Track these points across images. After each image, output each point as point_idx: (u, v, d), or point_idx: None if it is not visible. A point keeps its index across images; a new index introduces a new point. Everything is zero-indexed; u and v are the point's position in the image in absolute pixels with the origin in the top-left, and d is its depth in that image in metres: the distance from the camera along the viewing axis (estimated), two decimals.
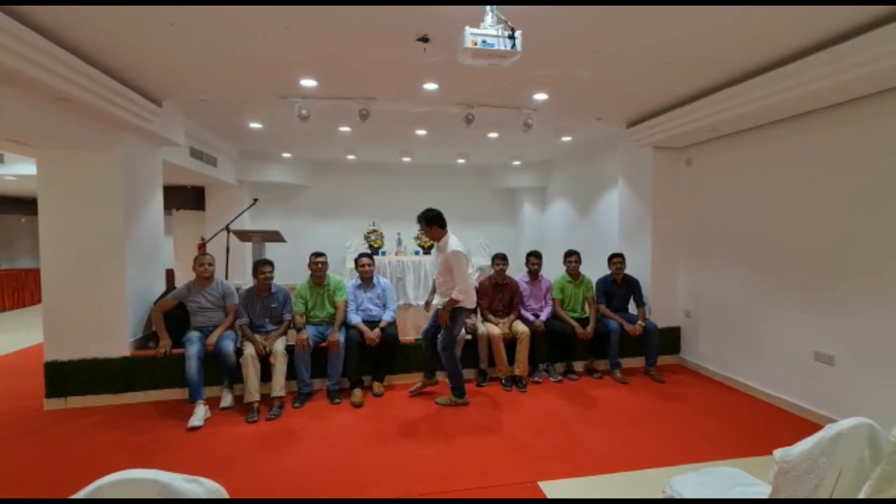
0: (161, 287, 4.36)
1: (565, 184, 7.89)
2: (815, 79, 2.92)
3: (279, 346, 3.67)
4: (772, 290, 3.78)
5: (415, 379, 4.06)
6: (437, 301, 3.75)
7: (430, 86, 3.81)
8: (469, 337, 4.18)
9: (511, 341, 4.16)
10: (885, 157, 2.97)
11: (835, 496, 1.36)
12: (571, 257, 4.52)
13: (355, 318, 3.99)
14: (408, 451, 2.93)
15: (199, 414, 3.32)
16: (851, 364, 3.18)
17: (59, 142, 3.35)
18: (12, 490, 2.54)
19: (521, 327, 4.16)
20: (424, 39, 2.85)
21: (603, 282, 4.59)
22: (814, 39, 2.81)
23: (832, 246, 3.30)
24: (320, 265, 3.96)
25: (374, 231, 8.26)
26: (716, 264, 4.39)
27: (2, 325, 7.06)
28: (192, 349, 3.47)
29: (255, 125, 5.42)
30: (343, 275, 7.32)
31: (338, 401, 3.72)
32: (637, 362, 4.63)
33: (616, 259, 4.52)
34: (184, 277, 6.70)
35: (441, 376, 4.00)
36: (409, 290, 7.31)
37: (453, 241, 3.51)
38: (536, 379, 4.22)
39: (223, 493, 1.14)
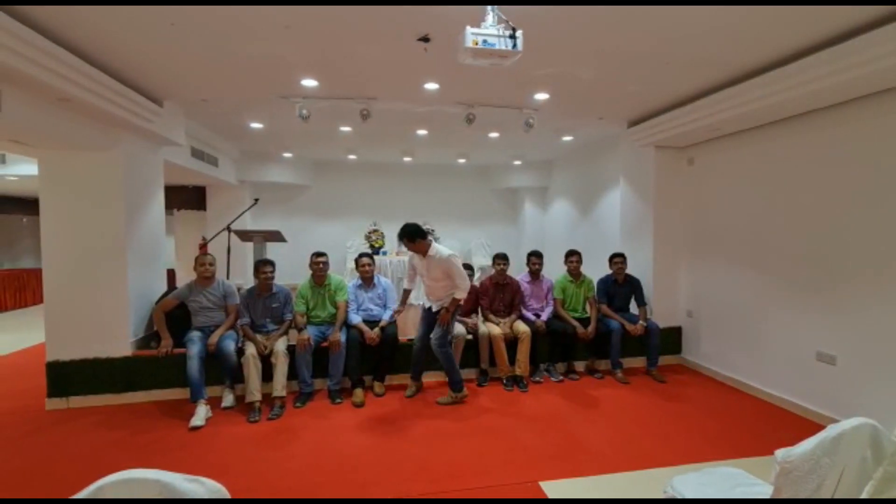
0: (162, 287, 4.37)
1: (566, 183, 7.88)
2: (816, 78, 2.91)
3: (280, 345, 3.67)
4: (774, 290, 3.77)
5: None
6: (427, 303, 3.83)
7: (431, 85, 3.81)
8: (470, 337, 4.18)
9: (512, 341, 4.16)
10: (887, 156, 2.96)
11: (837, 496, 1.36)
12: (572, 257, 4.51)
13: (356, 318, 3.99)
14: (409, 451, 2.93)
15: (201, 414, 3.32)
16: (854, 364, 3.18)
17: (61, 142, 3.36)
18: (14, 489, 2.54)
19: (522, 327, 4.16)
20: (425, 39, 2.85)
21: (604, 281, 4.58)
22: (814, 39, 2.81)
23: (834, 245, 3.29)
24: (321, 265, 3.96)
25: (375, 231, 8.26)
26: (718, 264, 4.38)
27: (4, 325, 7.07)
28: (194, 349, 3.48)
29: (255, 125, 5.42)
30: (344, 275, 7.32)
31: (339, 400, 3.72)
32: (638, 362, 4.62)
33: (617, 259, 4.52)
34: (185, 277, 6.72)
35: (432, 376, 4.01)
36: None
37: (441, 248, 3.63)
38: (537, 379, 4.22)
39: (224, 493, 1.14)
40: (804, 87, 3.01)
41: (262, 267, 3.83)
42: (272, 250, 5.00)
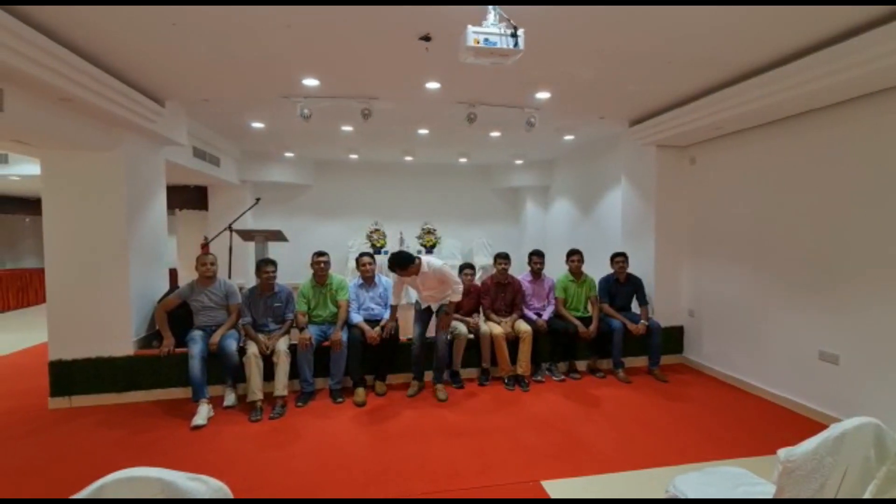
0: (164, 286, 4.38)
1: (568, 183, 7.87)
2: (817, 77, 2.91)
3: (282, 345, 3.68)
4: (776, 289, 3.76)
5: None
6: (424, 304, 4.03)
7: (433, 85, 3.81)
8: (472, 336, 4.18)
9: (513, 340, 4.15)
10: (890, 154, 2.95)
11: (840, 496, 1.36)
12: (574, 256, 4.50)
13: (357, 318, 3.99)
14: (410, 450, 2.93)
15: (203, 413, 3.33)
16: (856, 363, 3.17)
17: (63, 142, 3.37)
18: (17, 488, 2.55)
19: (523, 326, 4.16)
20: (426, 38, 2.84)
21: (606, 281, 4.58)
22: (815, 38, 2.80)
23: (837, 244, 3.28)
24: (322, 265, 3.96)
25: (377, 230, 8.27)
26: (720, 263, 4.37)
27: (7, 325, 7.10)
28: (196, 348, 3.48)
29: (257, 125, 5.43)
30: (345, 274, 7.32)
31: (340, 400, 3.73)
32: (640, 362, 4.61)
33: (619, 258, 4.51)
34: (187, 277, 6.73)
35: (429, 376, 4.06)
36: (410, 290, 7.31)
37: (430, 259, 3.83)
38: (539, 378, 4.22)
39: (227, 492, 1.14)
40: (805, 86, 3.00)
41: (264, 266, 3.84)
42: (274, 250, 5.00)
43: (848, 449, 1.35)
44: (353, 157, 7.94)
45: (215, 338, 3.60)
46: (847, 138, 3.22)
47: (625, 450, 2.94)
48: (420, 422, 3.37)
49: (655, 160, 4.78)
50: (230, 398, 3.65)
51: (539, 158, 8.10)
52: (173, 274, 7.50)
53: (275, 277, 3.88)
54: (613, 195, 6.22)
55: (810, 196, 3.48)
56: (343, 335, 3.81)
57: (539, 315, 4.38)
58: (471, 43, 2.06)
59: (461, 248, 8.97)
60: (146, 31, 2.72)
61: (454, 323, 4.16)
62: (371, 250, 7.49)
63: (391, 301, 4.03)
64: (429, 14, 2.54)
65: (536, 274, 4.52)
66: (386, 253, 7.95)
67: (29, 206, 9.89)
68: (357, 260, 4.22)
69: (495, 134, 5.90)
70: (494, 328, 4.15)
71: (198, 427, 3.23)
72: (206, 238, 5.25)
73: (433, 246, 8.27)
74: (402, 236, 8.35)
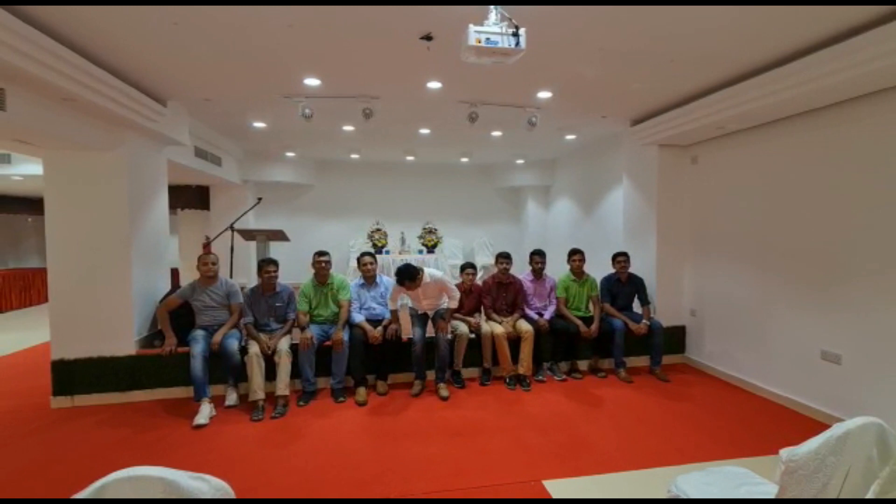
0: (166, 286, 4.38)
1: (569, 182, 7.86)
2: (821, 76, 2.90)
3: (283, 344, 3.68)
4: (778, 289, 3.75)
5: None
6: (421, 309, 4.17)
7: (434, 84, 3.81)
8: (473, 336, 4.18)
9: (515, 340, 4.15)
10: (894, 153, 2.94)
11: (842, 496, 1.35)
12: (575, 256, 4.50)
13: (359, 317, 3.99)
14: (412, 450, 2.93)
15: (205, 412, 3.34)
16: (859, 363, 3.16)
17: (65, 142, 3.37)
18: (19, 487, 2.56)
19: (524, 326, 4.16)
20: (428, 38, 2.84)
21: (607, 280, 4.57)
22: (817, 37, 2.79)
23: (839, 244, 3.27)
24: (324, 264, 3.96)
25: (378, 230, 8.28)
26: (721, 262, 4.36)
27: (10, 324, 7.12)
28: (197, 348, 3.49)
29: (259, 125, 5.43)
30: (347, 274, 7.33)
31: (342, 399, 3.73)
32: (642, 361, 4.61)
33: (620, 258, 4.50)
34: (189, 276, 6.73)
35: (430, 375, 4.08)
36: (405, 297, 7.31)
37: (431, 271, 4.04)
38: (540, 378, 4.21)
39: (229, 491, 1.14)
40: (807, 85, 2.99)
41: (266, 266, 3.84)
42: (275, 249, 5.02)
43: (851, 449, 1.34)
44: (355, 156, 7.95)
45: (217, 337, 3.60)
46: (850, 137, 3.21)
47: (626, 449, 2.93)
48: (421, 421, 3.37)
49: (657, 160, 4.77)
50: (232, 398, 3.66)
51: (540, 158, 8.10)
52: (175, 274, 7.50)
53: (276, 277, 3.88)
54: (615, 195, 6.21)
55: (813, 195, 3.47)
56: (344, 335, 3.81)
57: (540, 315, 4.38)
58: (472, 42, 2.06)
59: (462, 248, 8.97)
60: (148, 30, 2.73)
61: (455, 322, 4.17)
62: (372, 250, 7.50)
63: (389, 306, 4.05)
64: (430, 13, 2.54)
65: (538, 273, 4.52)
66: (387, 252, 7.96)
67: (31, 205, 9.91)
68: (359, 259, 4.22)
69: (497, 133, 5.89)
70: (496, 328, 4.15)
71: (199, 426, 3.24)
72: (207, 238, 5.27)
73: (434, 245, 8.27)
74: (403, 236, 8.36)
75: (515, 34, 2.08)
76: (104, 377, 3.72)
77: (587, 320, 4.37)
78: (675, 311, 4.82)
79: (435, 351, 3.94)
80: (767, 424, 3.32)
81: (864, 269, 3.12)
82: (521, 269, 4.73)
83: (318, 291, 4.00)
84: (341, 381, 3.82)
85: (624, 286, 4.54)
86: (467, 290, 4.38)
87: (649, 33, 2.80)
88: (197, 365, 3.43)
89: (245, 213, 5.84)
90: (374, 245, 8.08)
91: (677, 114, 4.17)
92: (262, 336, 3.74)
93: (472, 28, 2.06)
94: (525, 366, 4.08)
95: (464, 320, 4.25)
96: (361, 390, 3.79)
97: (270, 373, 3.62)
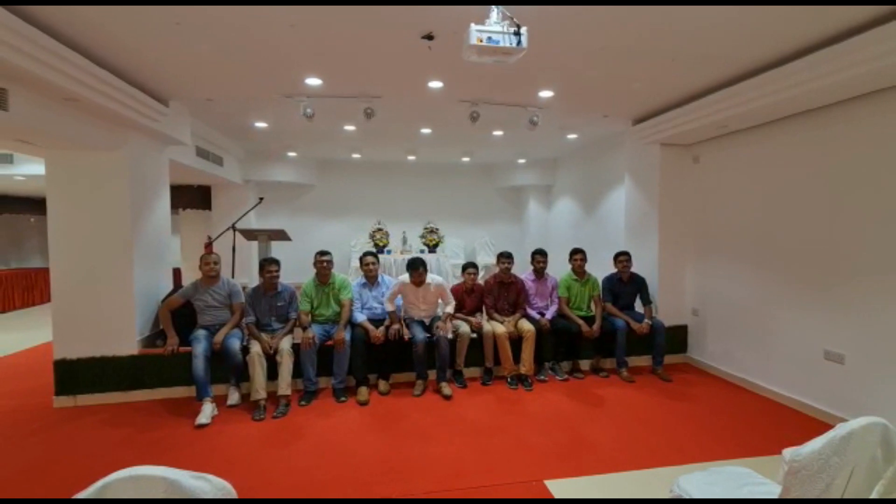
0: (168, 286, 4.39)
1: (571, 181, 7.85)
2: (822, 75, 2.89)
3: (285, 344, 3.68)
4: (781, 288, 3.74)
5: None
6: (417, 315, 4.21)
7: (436, 84, 3.80)
8: (474, 335, 4.18)
9: (517, 340, 4.15)
10: None
11: (846, 496, 1.35)
12: (577, 255, 4.49)
13: (360, 317, 3.99)
14: (413, 450, 2.93)
15: (206, 412, 3.34)
16: (862, 362, 3.14)
17: (68, 142, 3.38)
18: (21, 486, 2.57)
19: (526, 326, 4.15)
20: (429, 37, 2.84)
21: (609, 280, 4.56)
22: (825, 34, 2.77)
23: (842, 243, 3.26)
24: (325, 264, 3.97)
25: (379, 230, 8.27)
26: (724, 262, 4.35)
27: (12, 324, 7.14)
28: (199, 347, 3.49)
29: (260, 124, 5.44)
30: (348, 273, 7.34)
31: (343, 399, 3.73)
32: (644, 361, 4.60)
33: (622, 257, 4.50)
34: (191, 276, 6.75)
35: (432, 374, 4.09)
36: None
37: (433, 276, 4.19)
38: (542, 378, 4.21)
39: (231, 491, 1.14)
40: (810, 83, 2.98)
41: (267, 266, 3.84)
42: (277, 249, 5.01)
43: (855, 449, 1.34)
44: (356, 156, 7.95)
45: (219, 337, 3.61)
46: (852, 136, 3.19)
47: (628, 449, 2.93)
48: (423, 421, 3.37)
49: (659, 159, 4.76)
50: (234, 397, 3.67)
51: (542, 157, 8.09)
52: (177, 273, 7.53)
53: (278, 277, 3.88)
54: (617, 194, 6.20)
55: (815, 194, 3.46)
56: (346, 334, 3.81)
57: (542, 314, 4.37)
58: (474, 41, 2.05)
59: (464, 248, 8.97)
60: (150, 30, 2.73)
61: (457, 322, 4.17)
62: (374, 250, 7.50)
63: (386, 307, 4.05)
64: (432, 13, 2.54)
65: (539, 273, 4.51)
66: (389, 252, 7.96)
67: (34, 205, 9.94)
68: (361, 259, 4.22)
69: (498, 133, 5.89)
70: (497, 327, 4.14)
71: (201, 426, 3.24)
72: (209, 237, 5.27)
73: (436, 245, 8.26)
74: (404, 235, 8.36)
75: (517, 33, 2.07)
76: (106, 377, 3.73)
77: (589, 320, 4.37)
78: (677, 310, 4.81)
79: (436, 350, 3.94)
80: (770, 424, 3.31)
81: (867, 268, 3.10)
82: (522, 269, 4.72)
83: (319, 291, 4.00)
84: (343, 380, 3.82)
85: (626, 286, 4.53)
86: (469, 290, 4.38)
87: (651, 32, 2.79)
88: (199, 364, 3.44)
89: (247, 212, 5.85)
90: (376, 245, 8.08)
91: (679, 113, 4.16)
92: (264, 336, 3.74)
93: (474, 27, 2.06)
94: (527, 365, 4.07)
95: (465, 320, 4.24)
96: (363, 390, 3.79)
97: (272, 372, 3.63)
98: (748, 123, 3.92)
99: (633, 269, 4.56)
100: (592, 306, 4.51)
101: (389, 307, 4.04)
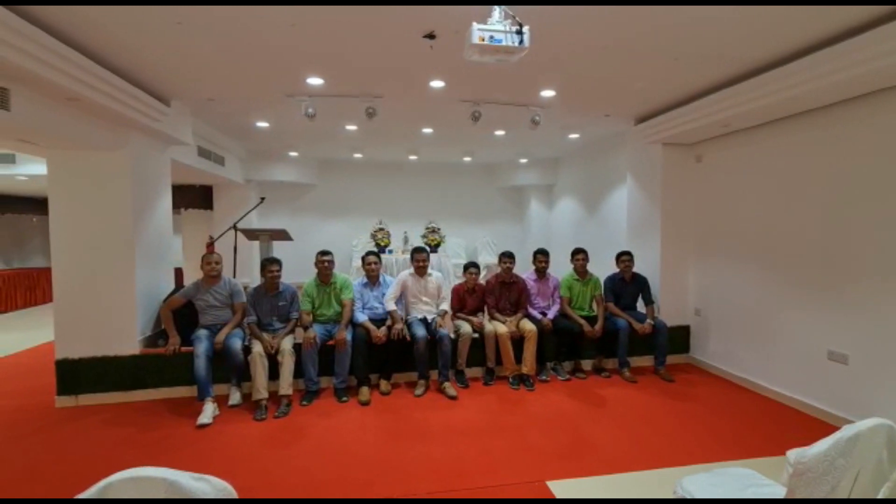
0: (170, 285, 4.39)
1: (573, 181, 7.84)
2: (824, 74, 2.87)
3: (287, 344, 3.68)
4: (784, 288, 3.73)
5: None
6: (418, 315, 4.19)
7: (437, 83, 3.80)
8: (476, 335, 4.17)
9: (518, 340, 4.14)
10: None
11: (852, 498, 1.33)
12: (579, 255, 4.48)
13: (362, 317, 3.99)
14: (415, 450, 2.93)
15: (208, 412, 3.34)
16: (866, 363, 3.13)
17: (69, 142, 3.38)
18: (23, 486, 2.57)
19: (528, 326, 4.14)
20: (431, 36, 2.83)
21: (611, 280, 4.55)
22: (826, 34, 2.76)
23: (846, 243, 3.25)
24: (327, 263, 3.96)
25: (381, 230, 8.27)
26: (726, 262, 4.34)
27: (14, 324, 7.15)
28: (201, 347, 3.49)
29: (262, 124, 5.44)
30: (350, 273, 7.34)
31: (345, 399, 3.73)
32: (646, 361, 4.59)
33: (624, 257, 4.48)
34: (192, 276, 6.75)
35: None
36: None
37: (433, 271, 4.29)
38: (544, 378, 4.20)
39: (231, 492, 1.14)
40: (811, 83, 2.97)
41: (269, 265, 3.84)
42: (278, 249, 5.01)
43: (861, 451, 1.33)
44: (358, 156, 7.95)
45: (220, 337, 3.60)
46: (855, 136, 3.18)
47: (631, 450, 2.92)
48: (424, 421, 3.36)
49: (661, 158, 4.74)
50: (235, 397, 3.66)
51: (544, 157, 8.07)
52: (179, 273, 7.54)
53: (279, 276, 3.88)
54: (619, 193, 6.19)
55: (818, 194, 3.44)
56: (347, 334, 3.81)
57: (544, 314, 4.36)
58: (476, 41, 2.05)
59: (465, 247, 8.96)
60: (152, 30, 2.73)
61: (458, 322, 4.17)
62: (376, 249, 7.50)
63: (388, 307, 4.04)
64: (433, 12, 2.53)
65: (541, 273, 4.50)
66: (391, 252, 7.96)
67: (36, 205, 9.95)
68: (363, 259, 4.22)
69: (500, 132, 5.88)
70: (499, 327, 4.14)
71: (203, 426, 3.24)
72: (211, 237, 5.28)
73: (437, 245, 8.26)
74: (406, 235, 8.35)
75: (519, 32, 2.07)
76: (108, 376, 3.73)
77: (591, 320, 4.36)
78: (680, 310, 4.79)
79: (438, 348, 3.93)
80: (773, 425, 3.30)
81: (871, 269, 3.09)
82: (524, 269, 4.72)
83: (321, 291, 4.00)
84: (344, 380, 3.82)
85: (628, 285, 4.52)
86: (471, 290, 4.37)
87: (653, 32, 2.78)
88: (200, 364, 3.44)
89: (248, 212, 5.85)
90: (377, 244, 8.08)
91: (681, 112, 4.15)
92: (266, 335, 3.74)
93: (476, 26, 2.05)
94: (528, 365, 4.06)
95: (467, 320, 4.24)
96: (364, 390, 3.78)
97: (274, 372, 3.62)
98: (750, 123, 3.90)
99: (636, 269, 4.55)
100: (594, 306, 4.50)
101: (390, 306, 4.04)
